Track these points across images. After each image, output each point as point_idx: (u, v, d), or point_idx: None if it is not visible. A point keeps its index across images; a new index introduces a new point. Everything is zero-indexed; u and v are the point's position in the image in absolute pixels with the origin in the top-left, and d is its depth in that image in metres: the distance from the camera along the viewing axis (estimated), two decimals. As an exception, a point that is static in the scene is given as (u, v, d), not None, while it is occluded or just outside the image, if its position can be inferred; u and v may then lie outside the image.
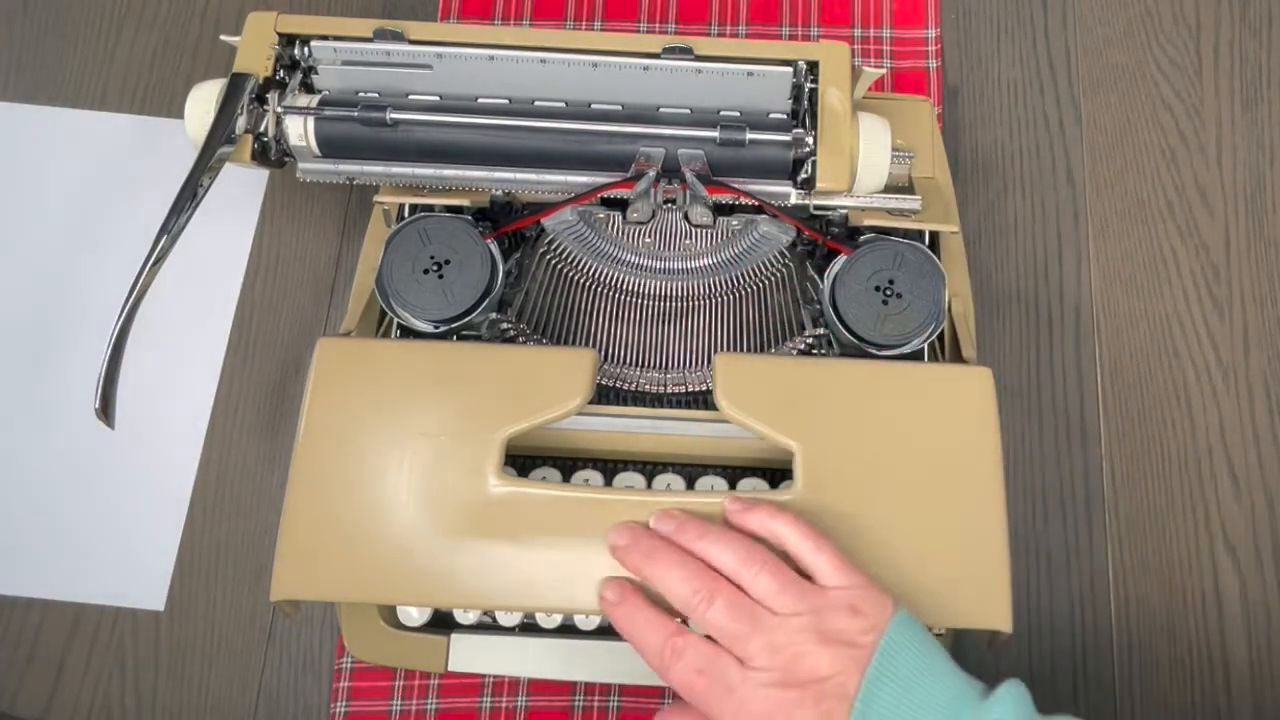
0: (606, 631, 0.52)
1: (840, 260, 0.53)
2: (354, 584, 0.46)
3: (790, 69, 0.55)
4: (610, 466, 0.52)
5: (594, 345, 0.54)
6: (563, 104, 0.57)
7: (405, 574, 0.46)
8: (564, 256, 0.55)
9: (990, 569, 0.46)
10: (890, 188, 0.56)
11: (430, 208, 0.55)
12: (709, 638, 0.42)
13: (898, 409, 0.48)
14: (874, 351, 0.52)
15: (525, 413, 0.48)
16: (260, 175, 0.66)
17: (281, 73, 0.56)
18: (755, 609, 0.42)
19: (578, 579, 0.46)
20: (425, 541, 0.46)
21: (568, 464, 0.52)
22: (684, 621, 0.44)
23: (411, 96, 0.57)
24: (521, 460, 0.52)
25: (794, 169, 0.55)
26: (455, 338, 0.53)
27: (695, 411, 0.51)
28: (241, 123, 0.55)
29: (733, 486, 0.52)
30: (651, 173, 0.55)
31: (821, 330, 0.54)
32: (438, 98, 0.57)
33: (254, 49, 0.56)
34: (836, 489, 0.46)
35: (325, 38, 0.56)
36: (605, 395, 0.53)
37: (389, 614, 0.53)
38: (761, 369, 0.49)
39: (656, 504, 0.47)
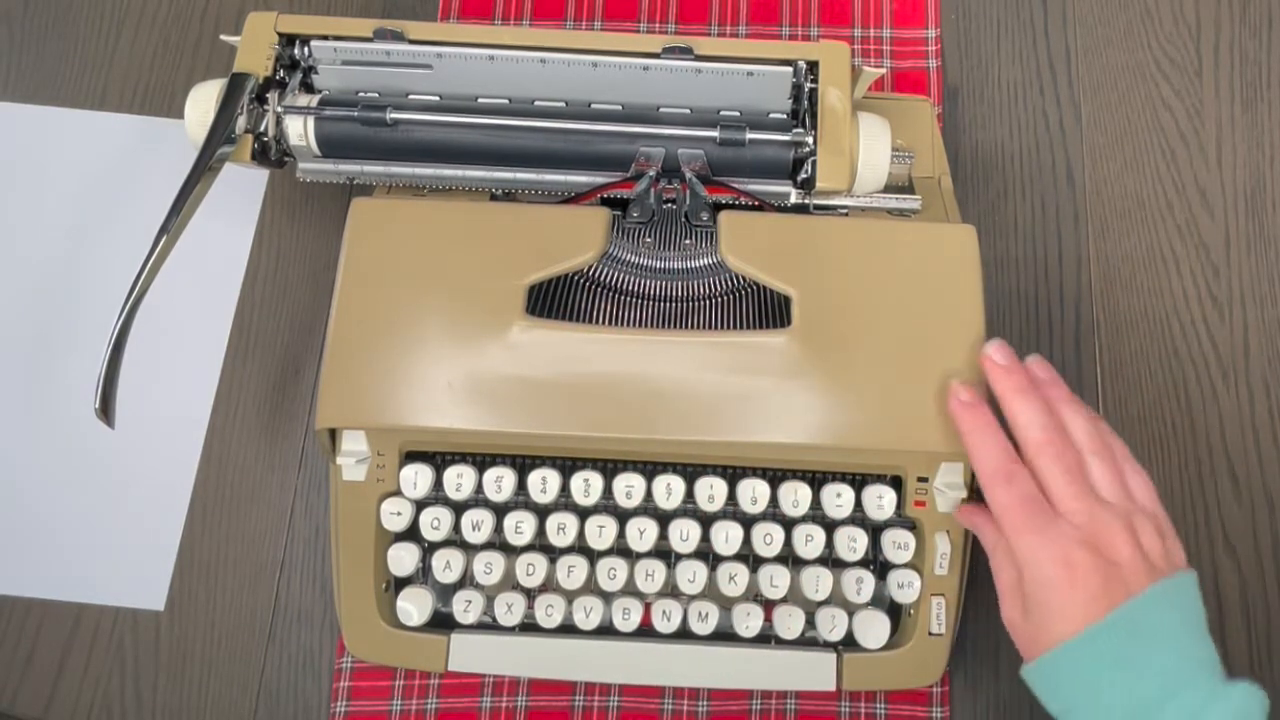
0: (606, 631, 0.52)
1: None
2: (390, 411, 0.49)
3: (790, 69, 0.55)
4: (610, 466, 0.52)
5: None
6: (563, 104, 0.57)
7: (436, 402, 0.49)
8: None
9: None
10: (890, 187, 0.56)
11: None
12: None
13: (888, 260, 0.51)
14: None
15: (545, 263, 0.51)
16: (260, 175, 0.66)
17: (281, 73, 0.57)
18: (1086, 481, 0.46)
19: (594, 407, 0.49)
20: (455, 375, 0.49)
21: (567, 464, 0.52)
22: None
23: (411, 96, 0.57)
24: (522, 460, 0.52)
25: (794, 169, 0.55)
26: None
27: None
28: (241, 123, 0.55)
29: (733, 486, 0.52)
30: (651, 173, 0.55)
31: None
32: (438, 98, 0.57)
33: (254, 49, 0.56)
34: (830, 330, 0.50)
35: (325, 37, 0.56)
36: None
37: (389, 614, 0.53)
38: (762, 224, 0.53)
39: (663, 341, 0.50)
